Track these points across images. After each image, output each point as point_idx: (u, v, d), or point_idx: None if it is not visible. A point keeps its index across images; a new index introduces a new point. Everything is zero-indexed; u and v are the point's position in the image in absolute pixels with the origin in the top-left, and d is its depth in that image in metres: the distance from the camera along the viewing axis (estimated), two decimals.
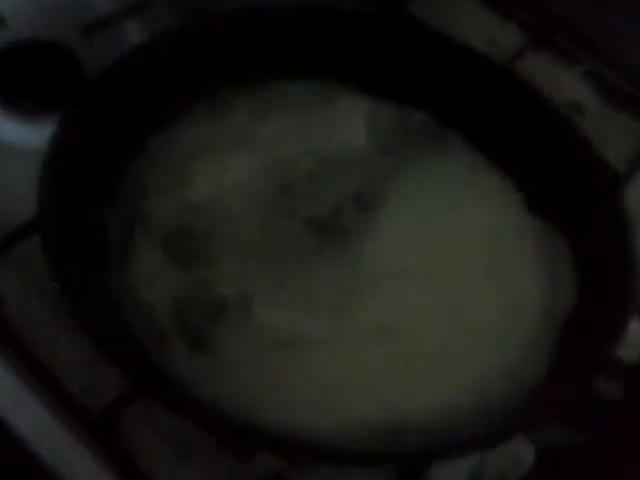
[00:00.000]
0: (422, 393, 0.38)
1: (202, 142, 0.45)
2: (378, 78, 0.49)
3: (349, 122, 0.48)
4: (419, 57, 0.48)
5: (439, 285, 0.42)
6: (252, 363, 0.38)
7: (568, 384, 0.36)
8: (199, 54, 0.45)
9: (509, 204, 0.46)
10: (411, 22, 0.55)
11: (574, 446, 0.39)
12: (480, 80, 0.48)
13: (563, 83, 0.59)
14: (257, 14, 0.47)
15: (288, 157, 0.45)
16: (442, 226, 0.45)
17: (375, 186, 0.46)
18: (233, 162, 0.44)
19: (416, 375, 0.38)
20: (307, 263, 0.42)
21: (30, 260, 0.40)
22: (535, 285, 0.43)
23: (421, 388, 0.38)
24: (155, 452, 0.37)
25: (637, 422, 0.41)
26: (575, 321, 0.40)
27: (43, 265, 0.36)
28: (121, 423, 0.37)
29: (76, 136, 0.40)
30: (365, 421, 0.36)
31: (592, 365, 0.36)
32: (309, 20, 0.48)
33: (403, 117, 0.49)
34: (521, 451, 0.38)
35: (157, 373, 0.37)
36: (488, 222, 0.45)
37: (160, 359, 0.37)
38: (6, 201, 0.43)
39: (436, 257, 0.43)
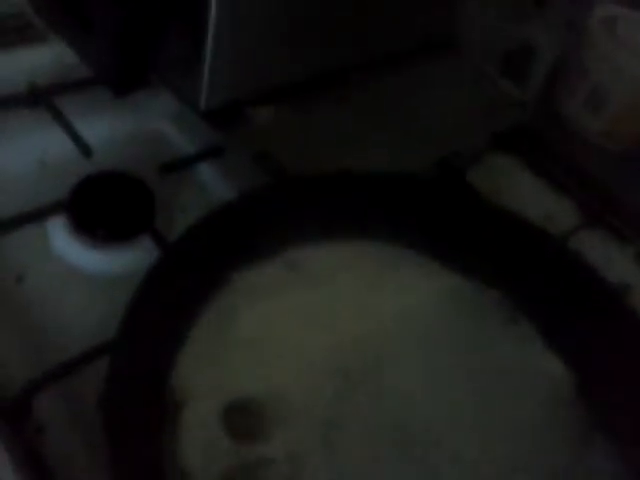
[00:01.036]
0: None
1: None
2: (445, 247, 0.50)
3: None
4: (482, 229, 0.49)
5: None
6: None
7: None
8: (278, 218, 0.46)
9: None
10: (473, 192, 0.57)
11: None
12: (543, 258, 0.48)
13: (615, 263, 0.60)
14: (336, 178, 0.49)
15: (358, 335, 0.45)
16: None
17: None
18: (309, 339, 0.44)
19: None
20: None
21: (78, 394, 0.40)
22: None
23: None
24: None
25: None
26: None
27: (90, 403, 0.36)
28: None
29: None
30: None
31: None
32: (384, 184, 0.49)
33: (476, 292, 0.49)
34: None
35: None
36: None
37: None
38: (66, 325, 0.44)
39: None
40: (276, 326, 0.44)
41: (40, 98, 0.54)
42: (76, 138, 0.51)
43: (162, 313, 0.40)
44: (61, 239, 0.48)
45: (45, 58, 0.58)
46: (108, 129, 0.55)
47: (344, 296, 0.46)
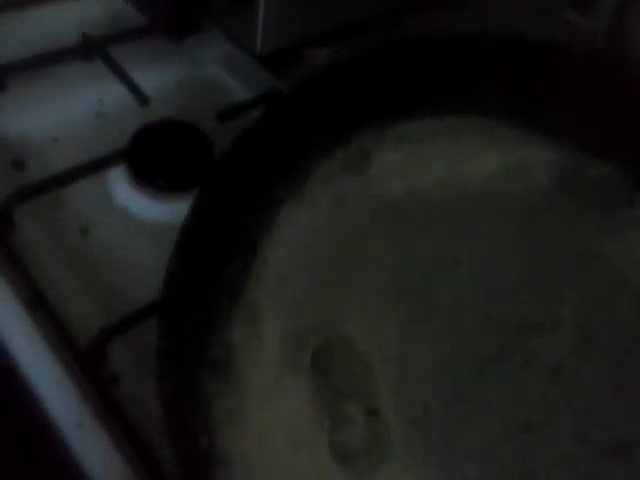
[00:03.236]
0: None
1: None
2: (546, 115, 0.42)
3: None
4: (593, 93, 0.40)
5: None
6: None
7: None
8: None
9: None
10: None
11: None
12: None
13: None
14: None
15: None
16: None
17: None
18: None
19: None
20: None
21: (150, 343, 0.40)
22: None
23: None
24: None
25: None
26: None
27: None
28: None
29: (207, 217, 0.39)
30: None
31: None
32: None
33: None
34: None
35: None
36: None
37: None
38: (133, 276, 0.44)
39: None
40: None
41: (94, 49, 0.53)
42: (133, 87, 0.51)
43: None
44: (122, 190, 0.48)
45: (96, 8, 0.57)
46: (163, 77, 0.54)
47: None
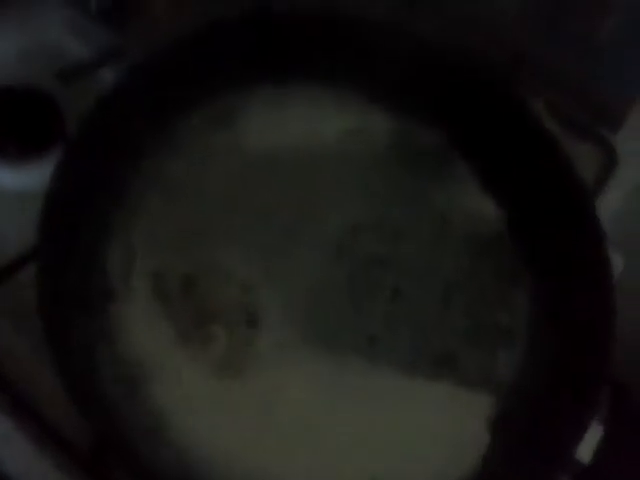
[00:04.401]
0: None
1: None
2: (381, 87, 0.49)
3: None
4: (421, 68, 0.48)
5: None
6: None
7: None
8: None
9: None
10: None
11: None
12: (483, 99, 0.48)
13: None
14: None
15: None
16: None
17: None
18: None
19: None
20: None
21: (17, 297, 0.41)
22: None
23: None
24: None
25: None
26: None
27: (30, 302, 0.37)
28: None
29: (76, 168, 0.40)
30: None
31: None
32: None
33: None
34: None
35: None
36: None
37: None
38: None
39: None
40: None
41: None
42: None
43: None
44: None
45: None
46: (3, 46, 0.52)
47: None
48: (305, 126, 0.48)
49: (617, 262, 0.47)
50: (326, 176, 0.47)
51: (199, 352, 0.40)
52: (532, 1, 0.58)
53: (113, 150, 0.43)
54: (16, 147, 0.47)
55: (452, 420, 0.41)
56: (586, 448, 0.37)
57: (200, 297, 0.41)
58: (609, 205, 0.52)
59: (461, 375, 0.42)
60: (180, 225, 0.44)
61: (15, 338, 0.41)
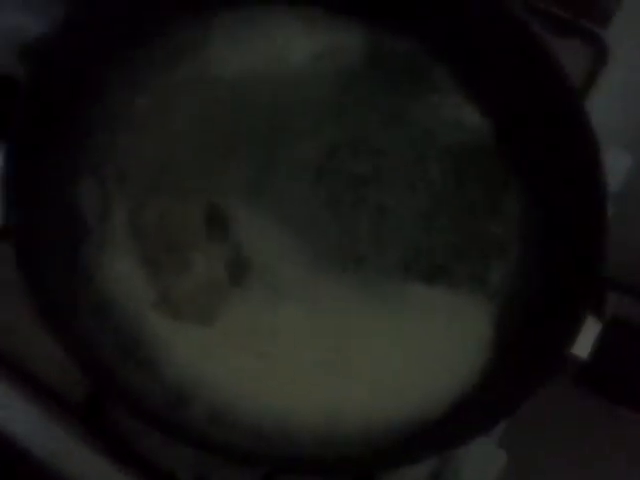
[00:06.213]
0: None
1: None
2: None
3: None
4: None
5: None
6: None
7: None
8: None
9: None
10: None
11: None
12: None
13: None
14: None
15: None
16: None
17: None
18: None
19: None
20: None
21: None
22: None
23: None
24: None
25: None
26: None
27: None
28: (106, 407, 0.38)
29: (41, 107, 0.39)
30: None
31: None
32: None
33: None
34: (489, 454, 0.40)
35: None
36: None
37: None
38: None
39: None
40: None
41: None
42: None
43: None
44: None
45: None
46: None
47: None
48: (272, 51, 0.46)
49: (626, 161, 0.45)
50: (298, 101, 0.45)
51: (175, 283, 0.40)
52: None
53: (76, 88, 0.41)
54: None
55: (450, 331, 0.41)
56: (584, 343, 0.36)
57: (176, 231, 0.41)
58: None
59: (455, 287, 0.41)
60: (151, 161, 0.42)
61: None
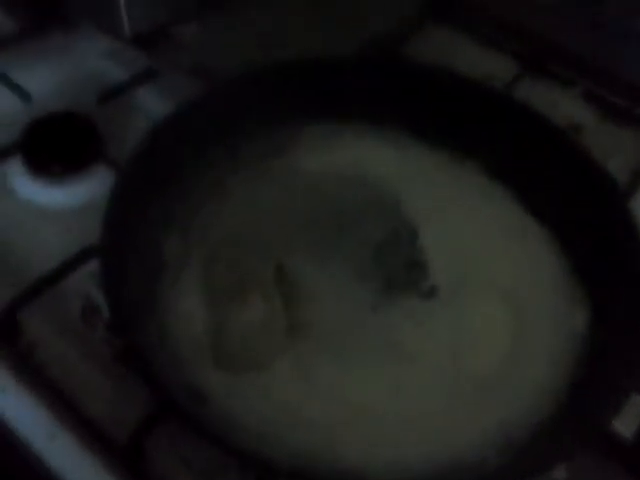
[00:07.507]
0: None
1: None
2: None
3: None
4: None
5: None
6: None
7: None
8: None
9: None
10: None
11: None
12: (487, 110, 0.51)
13: (561, 106, 0.61)
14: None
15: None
16: None
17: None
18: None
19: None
20: None
21: (55, 307, 0.44)
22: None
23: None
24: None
25: None
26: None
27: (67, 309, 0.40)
28: (146, 451, 0.39)
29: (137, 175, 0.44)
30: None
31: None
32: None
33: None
34: None
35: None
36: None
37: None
38: (30, 256, 0.47)
39: None
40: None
41: None
42: (13, 87, 0.54)
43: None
44: (20, 181, 0.51)
45: None
46: (46, 75, 0.57)
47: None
48: (350, 155, 0.52)
49: None
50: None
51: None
52: None
53: (186, 164, 0.48)
54: (59, 166, 0.51)
55: None
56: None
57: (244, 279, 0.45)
58: None
59: None
60: (230, 225, 0.48)
61: (61, 344, 0.44)
